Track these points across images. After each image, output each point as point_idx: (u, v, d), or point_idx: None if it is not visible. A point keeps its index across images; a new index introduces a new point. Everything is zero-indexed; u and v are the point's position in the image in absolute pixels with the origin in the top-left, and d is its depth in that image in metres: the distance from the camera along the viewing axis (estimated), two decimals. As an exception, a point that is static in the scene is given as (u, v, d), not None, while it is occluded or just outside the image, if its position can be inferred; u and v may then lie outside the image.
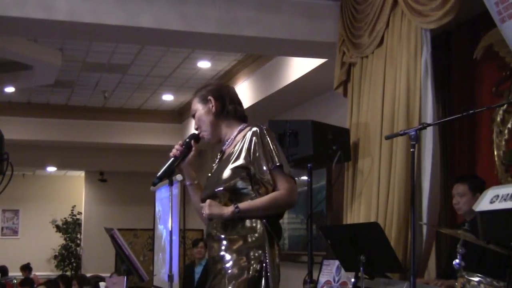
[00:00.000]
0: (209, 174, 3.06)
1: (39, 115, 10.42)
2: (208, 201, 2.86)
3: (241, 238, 2.81)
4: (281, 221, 2.97)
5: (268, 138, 2.87)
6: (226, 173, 2.87)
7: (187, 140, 3.01)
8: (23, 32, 5.99)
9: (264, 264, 2.76)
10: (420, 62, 4.53)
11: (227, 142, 2.99)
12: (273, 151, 2.84)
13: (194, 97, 3.07)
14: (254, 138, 2.86)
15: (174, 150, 2.98)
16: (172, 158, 2.98)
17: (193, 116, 3.05)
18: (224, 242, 2.83)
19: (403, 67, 4.64)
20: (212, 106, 2.98)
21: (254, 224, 2.81)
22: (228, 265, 2.79)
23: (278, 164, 2.83)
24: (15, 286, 8.80)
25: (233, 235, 2.82)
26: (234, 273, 2.76)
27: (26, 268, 11.91)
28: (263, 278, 2.75)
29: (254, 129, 2.90)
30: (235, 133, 2.97)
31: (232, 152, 2.91)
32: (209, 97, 2.98)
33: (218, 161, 3.05)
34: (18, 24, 5.33)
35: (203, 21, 5.44)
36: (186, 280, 8.03)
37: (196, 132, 3.04)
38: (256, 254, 2.77)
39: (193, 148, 3.02)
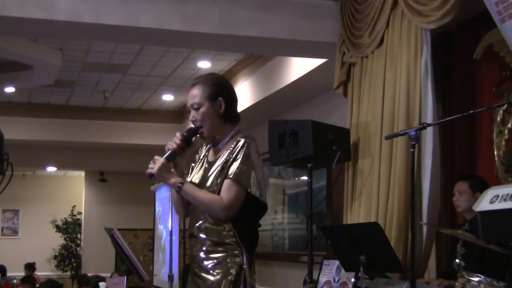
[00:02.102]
0: (193, 165, 3.06)
1: (39, 115, 10.42)
2: (163, 161, 2.87)
3: (223, 243, 2.83)
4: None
5: (246, 154, 2.85)
6: (210, 179, 2.91)
7: (186, 135, 2.95)
8: (23, 32, 5.99)
9: (242, 270, 2.80)
10: (420, 62, 4.52)
11: (219, 145, 2.98)
12: (241, 167, 2.83)
13: (198, 87, 2.96)
14: (238, 152, 2.87)
15: (173, 144, 2.92)
16: (170, 152, 2.93)
17: (192, 107, 2.96)
18: (206, 245, 2.86)
19: (403, 67, 4.64)
20: (221, 108, 2.94)
21: (237, 231, 2.83)
22: (208, 268, 2.83)
23: (233, 178, 2.82)
24: (15, 286, 8.80)
25: (215, 238, 2.85)
26: (213, 277, 2.80)
27: (30, 267, 11.91)
28: (241, 284, 2.78)
29: (242, 142, 2.89)
30: (228, 138, 2.97)
31: (219, 158, 2.92)
32: (220, 98, 2.94)
33: (203, 159, 3.04)
34: (18, 24, 5.33)
35: (204, 21, 5.44)
36: (186, 280, 8.03)
37: (194, 125, 2.97)
38: (237, 260, 2.81)
39: (192, 144, 2.97)
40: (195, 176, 3.00)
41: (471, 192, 4.13)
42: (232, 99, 2.99)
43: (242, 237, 2.83)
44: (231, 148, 2.91)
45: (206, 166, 2.99)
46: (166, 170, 2.88)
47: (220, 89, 2.96)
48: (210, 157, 3.02)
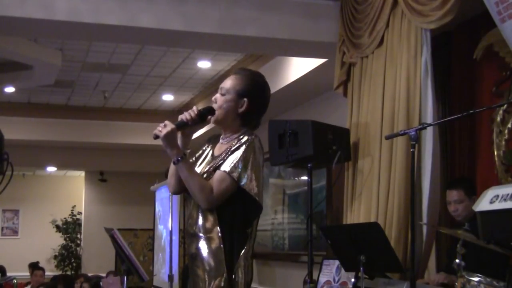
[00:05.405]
0: (194, 158, 3.06)
1: (39, 115, 10.42)
2: (173, 128, 2.84)
3: (217, 239, 2.82)
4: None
5: (245, 150, 2.85)
6: (212, 174, 2.89)
7: (203, 111, 2.94)
8: (23, 32, 5.99)
9: (235, 266, 2.80)
10: (420, 62, 4.53)
11: (225, 140, 2.99)
12: (238, 162, 2.82)
13: (237, 78, 2.98)
14: (238, 147, 2.86)
15: (187, 115, 2.90)
16: (182, 121, 2.91)
17: (221, 90, 2.97)
18: (201, 241, 2.86)
19: (403, 67, 4.64)
20: (242, 107, 2.94)
21: (229, 230, 2.82)
22: (204, 264, 2.82)
23: (228, 171, 2.80)
24: (15, 286, 8.79)
25: (209, 234, 2.84)
26: (209, 272, 2.80)
27: (35, 266, 11.89)
28: (234, 278, 2.79)
29: (245, 139, 2.89)
30: (235, 135, 2.96)
31: (222, 154, 2.91)
32: (245, 99, 2.93)
33: (209, 152, 3.03)
34: (18, 24, 5.33)
35: (204, 21, 5.44)
36: (186, 280, 8.04)
37: (213, 106, 2.97)
38: (228, 257, 2.80)
39: (205, 121, 2.96)
40: (198, 167, 3.00)
41: (468, 199, 4.15)
42: (258, 107, 2.98)
43: (226, 237, 2.82)
44: (233, 143, 2.91)
45: (210, 159, 2.99)
46: (172, 137, 2.85)
47: (251, 91, 2.95)
48: (216, 151, 3.01)
